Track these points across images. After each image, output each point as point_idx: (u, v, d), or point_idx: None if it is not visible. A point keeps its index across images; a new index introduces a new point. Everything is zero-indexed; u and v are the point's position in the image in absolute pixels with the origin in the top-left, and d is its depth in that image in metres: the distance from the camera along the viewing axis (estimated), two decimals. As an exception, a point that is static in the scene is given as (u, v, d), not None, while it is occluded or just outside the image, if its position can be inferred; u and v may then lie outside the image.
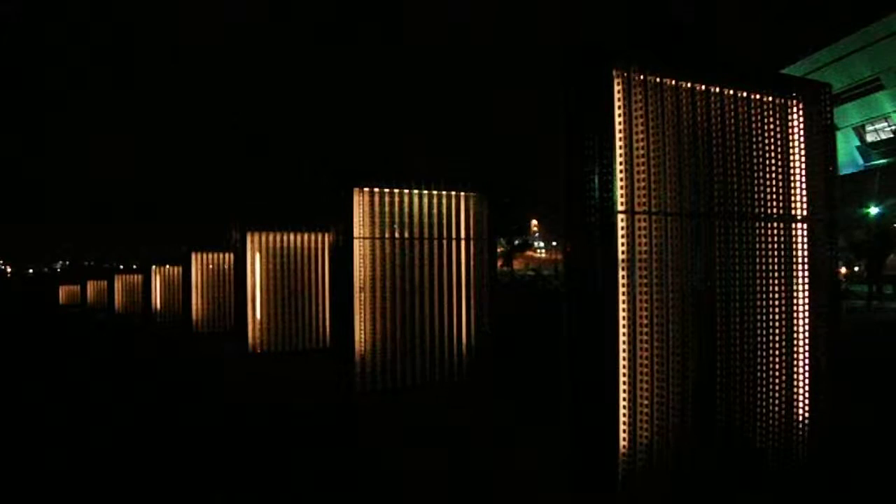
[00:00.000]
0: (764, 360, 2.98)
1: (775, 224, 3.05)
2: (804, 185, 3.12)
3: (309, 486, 3.36)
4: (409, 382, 5.42)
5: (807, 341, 3.08)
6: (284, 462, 3.74)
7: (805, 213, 3.12)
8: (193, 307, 11.08)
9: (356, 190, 5.32)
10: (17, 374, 7.56)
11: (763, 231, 3.01)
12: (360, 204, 5.34)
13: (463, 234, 5.67)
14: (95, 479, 3.50)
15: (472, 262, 5.69)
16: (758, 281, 2.98)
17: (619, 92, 2.68)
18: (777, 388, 2.99)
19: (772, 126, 3.06)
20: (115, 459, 3.86)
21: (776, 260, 3.04)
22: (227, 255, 11.17)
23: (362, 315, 5.31)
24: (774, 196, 3.05)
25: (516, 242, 45.68)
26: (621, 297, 2.64)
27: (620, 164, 2.65)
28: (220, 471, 3.62)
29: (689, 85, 2.87)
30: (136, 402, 5.67)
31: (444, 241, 5.60)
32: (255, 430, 4.54)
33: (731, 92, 2.97)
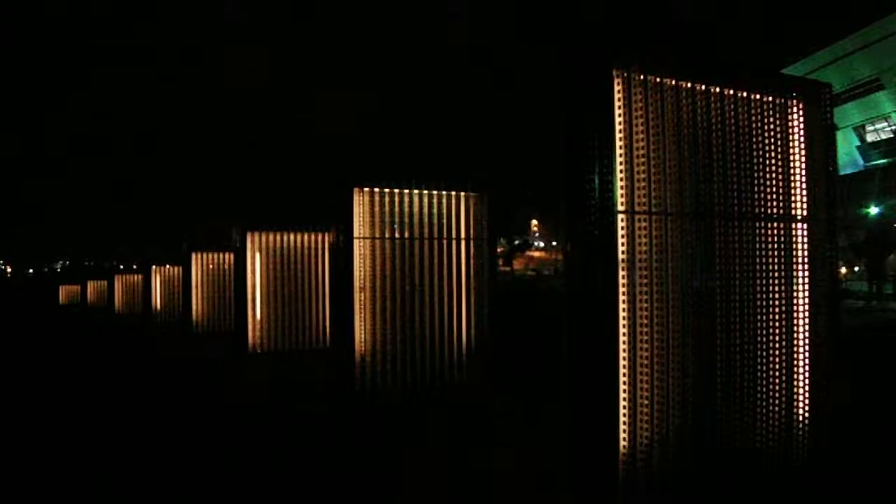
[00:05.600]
0: (764, 360, 2.97)
1: (775, 224, 3.05)
2: (804, 185, 3.11)
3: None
4: (409, 383, 5.41)
5: (807, 341, 3.07)
6: (287, 461, 3.74)
7: (805, 213, 3.12)
8: (193, 307, 11.07)
9: (356, 190, 5.32)
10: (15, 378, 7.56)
11: (763, 231, 3.01)
12: (360, 204, 5.33)
13: (463, 234, 5.66)
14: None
15: (472, 262, 5.69)
16: (758, 281, 2.98)
17: (619, 92, 2.67)
18: (777, 388, 2.99)
19: (772, 126, 3.06)
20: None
21: (776, 260, 3.03)
22: (227, 255, 11.15)
23: (362, 315, 5.30)
24: (774, 196, 3.04)
25: (516, 242, 45.70)
26: (621, 297, 2.64)
27: (620, 164, 2.65)
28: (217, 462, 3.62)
29: (689, 85, 2.87)
30: (136, 402, 5.67)
31: (444, 241, 5.60)
32: (253, 429, 4.55)
33: (731, 92, 2.97)
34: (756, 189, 3.00)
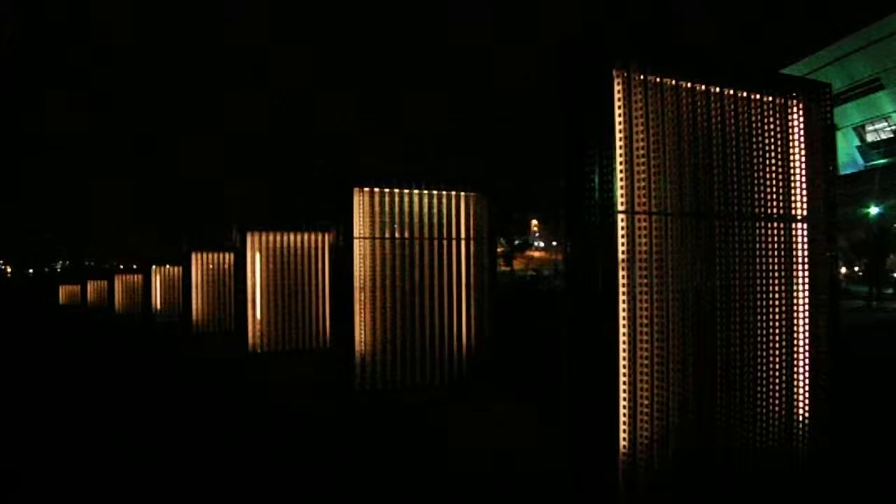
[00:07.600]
0: (764, 360, 2.97)
1: (775, 224, 3.05)
2: (804, 185, 3.12)
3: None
4: (408, 383, 5.42)
5: (807, 341, 3.07)
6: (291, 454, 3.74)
7: (805, 213, 3.12)
8: (193, 307, 11.08)
9: (356, 190, 5.32)
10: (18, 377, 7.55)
11: (763, 231, 3.01)
12: (360, 204, 5.34)
13: (463, 234, 5.66)
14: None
15: (472, 262, 5.69)
16: (758, 281, 2.98)
17: (619, 92, 2.68)
18: (777, 388, 2.99)
19: (772, 126, 3.06)
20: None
21: (776, 260, 3.04)
22: (227, 255, 11.16)
23: (362, 315, 5.31)
24: (774, 196, 3.05)
25: (516, 242, 45.68)
26: (621, 297, 2.64)
27: (620, 164, 2.65)
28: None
29: (689, 85, 2.87)
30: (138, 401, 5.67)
31: (444, 241, 5.60)
32: (253, 429, 4.55)
33: (731, 92, 2.97)
34: (756, 189, 3.00)
